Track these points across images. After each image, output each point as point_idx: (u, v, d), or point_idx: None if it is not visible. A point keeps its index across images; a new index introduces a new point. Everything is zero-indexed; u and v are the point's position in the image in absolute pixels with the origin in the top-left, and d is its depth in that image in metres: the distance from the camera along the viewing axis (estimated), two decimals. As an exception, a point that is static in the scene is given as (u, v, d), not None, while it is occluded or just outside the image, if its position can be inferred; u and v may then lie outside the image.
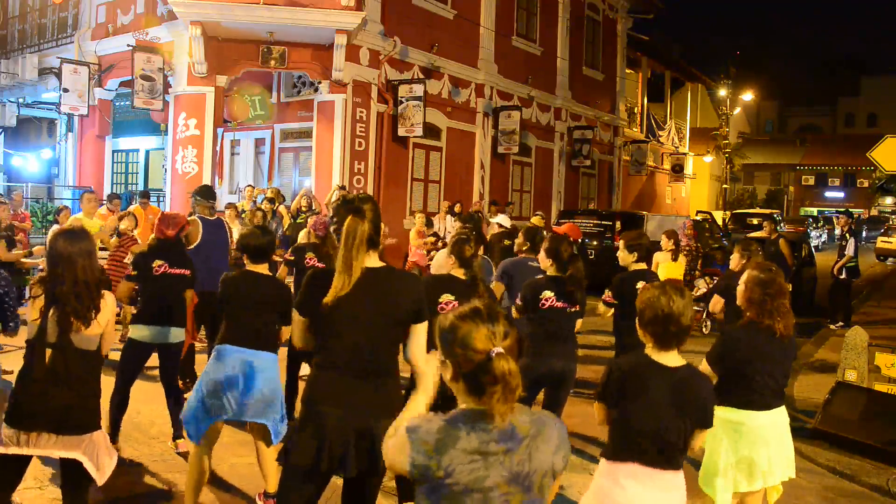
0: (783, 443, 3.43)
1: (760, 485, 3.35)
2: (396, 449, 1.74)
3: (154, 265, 4.85)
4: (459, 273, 4.01)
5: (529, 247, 5.28)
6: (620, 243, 4.95)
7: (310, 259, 5.69)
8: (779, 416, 3.44)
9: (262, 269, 4.15)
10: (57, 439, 3.04)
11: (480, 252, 5.37)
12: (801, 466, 5.26)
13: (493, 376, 1.65)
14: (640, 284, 4.46)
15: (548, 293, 4.38)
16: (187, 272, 5.00)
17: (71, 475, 3.14)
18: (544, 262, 4.57)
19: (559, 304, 4.40)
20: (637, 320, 2.65)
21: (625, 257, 4.90)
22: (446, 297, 3.90)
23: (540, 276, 4.60)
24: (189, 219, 6.73)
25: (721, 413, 3.28)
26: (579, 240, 7.98)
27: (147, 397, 5.63)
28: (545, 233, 5.55)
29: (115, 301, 3.28)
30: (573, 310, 4.45)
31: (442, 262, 4.09)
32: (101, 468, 3.12)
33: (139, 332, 4.84)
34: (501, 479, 1.68)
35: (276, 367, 4.08)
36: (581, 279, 4.45)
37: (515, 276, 5.02)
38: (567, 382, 4.51)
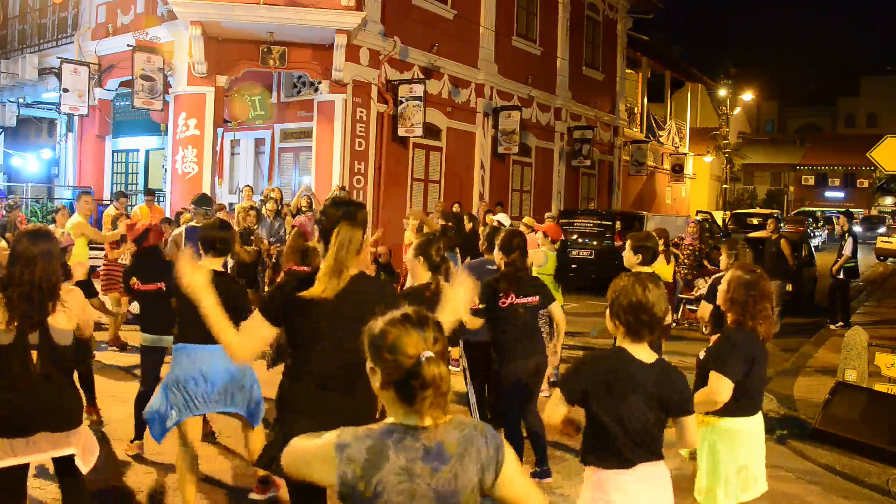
0: (764, 447, 3.42)
1: (753, 493, 3.28)
2: (320, 461, 1.64)
3: (131, 282, 5.00)
4: (428, 278, 3.84)
5: (487, 247, 5.24)
6: (627, 244, 4.91)
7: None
8: (761, 421, 3.42)
9: (213, 263, 4.01)
10: (51, 437, 3.06)
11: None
12: (802, 466, 5.28)
13: (423, 381, 1.59)
14: None
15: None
16: (160, 286, 4.70)
17: (67, 469, 3.17)
18: (497, 257, 4.60)
19: (519, 301, 4.42)
20: (608, 310, 2.58)
21: (629, 259, 4.83)
22: None
23: (493, 276, 4.62)
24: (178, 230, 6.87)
25: (718, 422, 3.25)
26: (560, 239, 7.98)
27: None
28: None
29: (81, 295, 3.25)
30: (531, 302, 4.47)
31: (412, 267, 3.93)
32: (86, 461, 3.18)
33: (145, 337, 4.99)
34: (427, 500, 1.63)
35: (221, 359, 4.05)
36: (525, 269, 4.48)
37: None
38: (540, 376, 4.63)
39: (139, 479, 4.59)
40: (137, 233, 5.20)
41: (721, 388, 3.12)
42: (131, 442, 4.97)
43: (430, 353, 1.62)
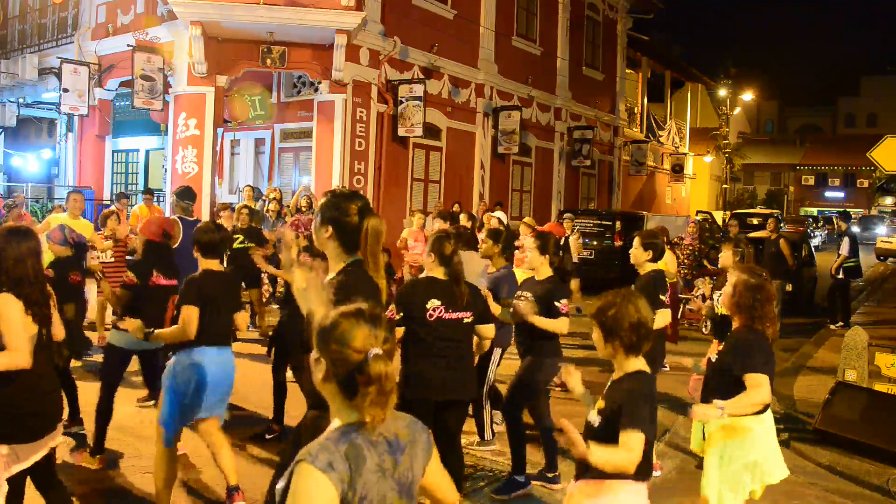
0: (776, 442, 3.46)
1: (760, 485, 3.34)
2: (318, 488, 1.53)
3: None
4: (440, 273, 3.83)
5: (502, 249, 5.23)
6: (635, 241, 4.88)
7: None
8: (770, 418, 3.46)
9: (215, 264, 4.11)
10: (55, 431, 3.13)
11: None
12: (801, 467, 5.27)
13: (368, 377, 1.59)
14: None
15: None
16: (175, 282, 4.80)
17: (49, 462, 3.18)
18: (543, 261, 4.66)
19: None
20: (602, 334, 2.57)
21: (638, 255, 4.78)
22: (433, 304, 3.70)
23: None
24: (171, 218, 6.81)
25: (731, 421, 3.26)
26: (562, 239, 8.04)
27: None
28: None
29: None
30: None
31: (426, 263, 3.99)
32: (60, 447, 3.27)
33: (118, 337, 4.80)
34: (394, 492, 1.63)
35: (233, 359, 4.19)
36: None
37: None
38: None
39: (130, 483, 4.58)
40: (172, 227, 5.13)
41: (765, 388, 3.18)
42: (92, 456, 4.66)
43: (378, 350, 1.62)
